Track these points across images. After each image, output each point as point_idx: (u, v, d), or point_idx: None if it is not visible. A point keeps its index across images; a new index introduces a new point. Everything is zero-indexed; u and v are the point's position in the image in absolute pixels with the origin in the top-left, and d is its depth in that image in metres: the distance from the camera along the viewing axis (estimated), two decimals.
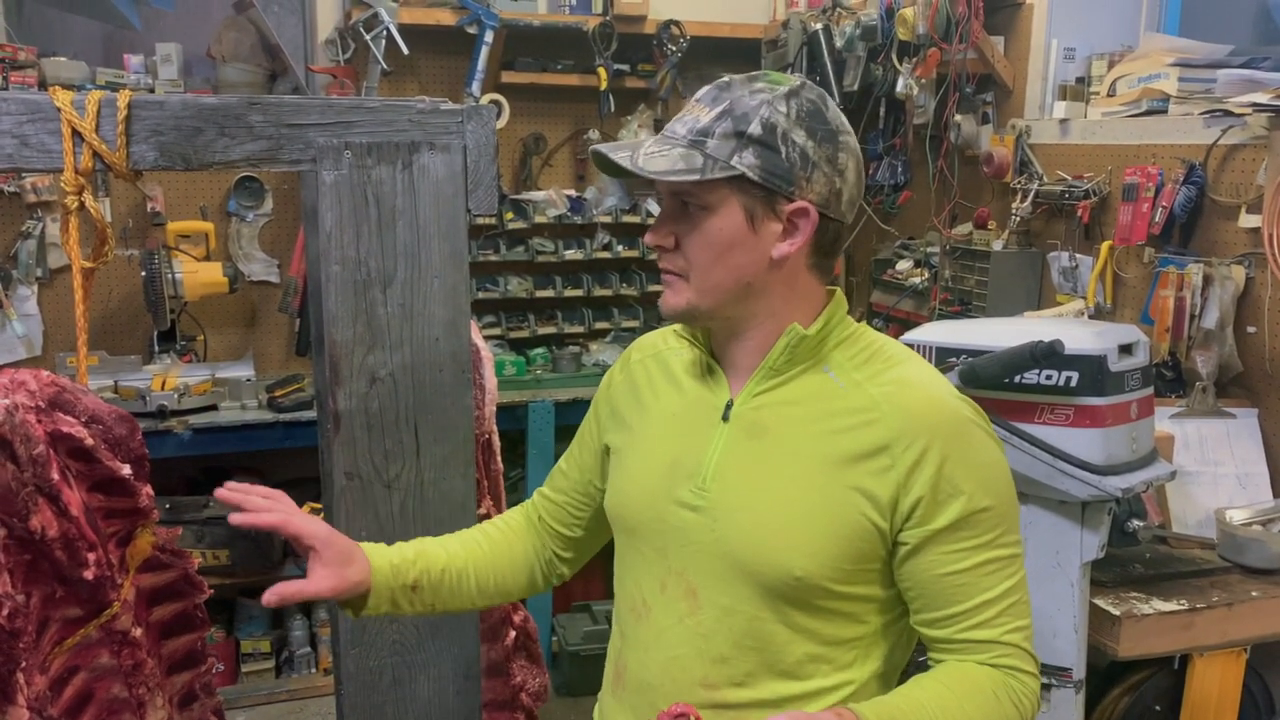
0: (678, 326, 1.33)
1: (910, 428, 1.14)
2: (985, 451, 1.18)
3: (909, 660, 1.28)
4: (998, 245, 3.10)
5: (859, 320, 1.28)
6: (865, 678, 1.20)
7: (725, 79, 1.20)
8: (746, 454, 1.20)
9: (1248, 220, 2.43)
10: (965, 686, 1.15)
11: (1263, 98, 2.32)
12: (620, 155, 1.18)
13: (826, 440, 1.17)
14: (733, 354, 1.24)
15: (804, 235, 1.17)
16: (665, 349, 1.35)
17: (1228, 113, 2.42)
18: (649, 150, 1.17)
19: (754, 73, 1.21)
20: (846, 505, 1.15)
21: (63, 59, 3.36)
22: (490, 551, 1.41)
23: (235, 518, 1.23)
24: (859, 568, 1.17)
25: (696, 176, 1.14)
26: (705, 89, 1.20)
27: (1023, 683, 1.17)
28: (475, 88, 3.56)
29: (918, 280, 3.50)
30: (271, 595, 1.20)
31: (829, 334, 1.21)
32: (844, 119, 1.20)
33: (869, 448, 1.15)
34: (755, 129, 1.14)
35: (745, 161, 1.14)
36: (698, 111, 1.18)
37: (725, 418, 1.23)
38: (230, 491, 1.24)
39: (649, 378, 1.34)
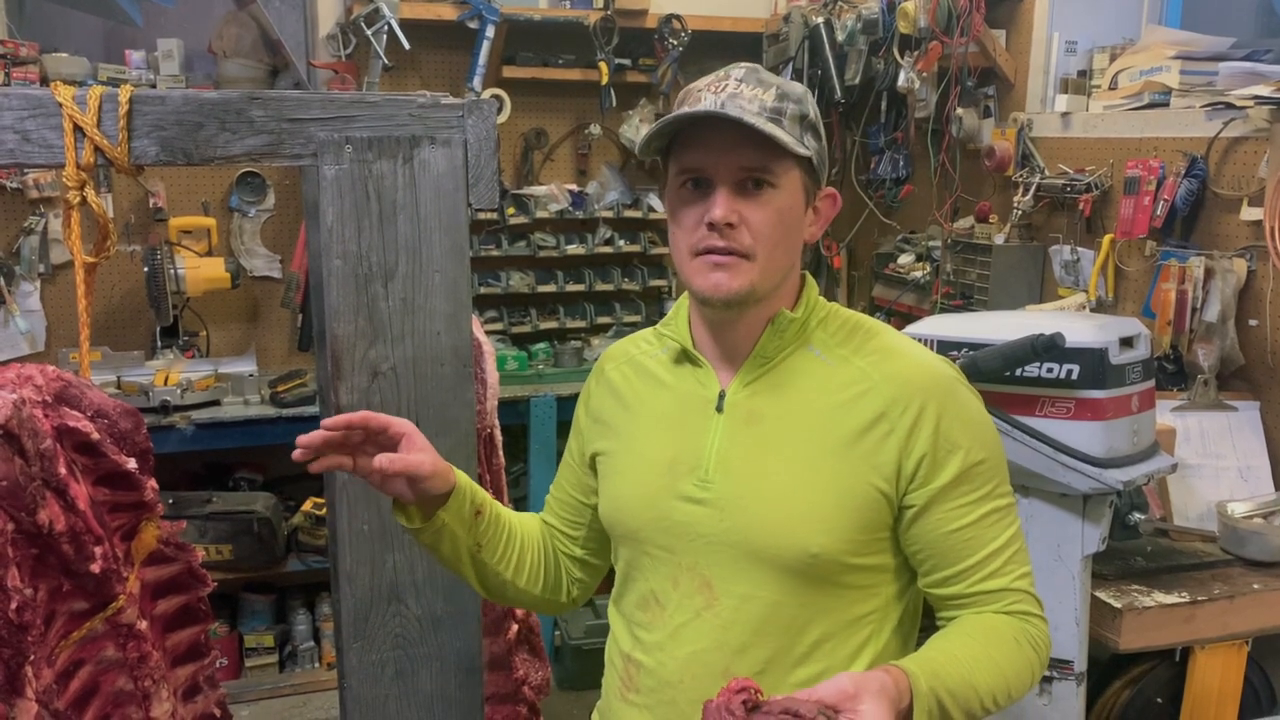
0: (655, 327, 1.34)
1: (903, 392, 1.17)
2: (973, 407, 1.22)
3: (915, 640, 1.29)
4: (999, 239, 3.10)
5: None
6: (878, 650, 1.22)
7: (748, 64, 1.19)
8: (747, 441, 1.21)
9: (1249, 213, 2.43)
10: (987, 635, 1.17)
11: (1264, 90, 2.32)
12: (752, 118, 1.12)
13: (824, 417, 1.19)
14: (719, 344, 1.25)
15: (827, 220, 1.24)
16: (638, 353, 1.35)
17: (1229, 105, 2.42)
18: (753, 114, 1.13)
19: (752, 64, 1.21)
20: (853, 477, 1.17)
21: (64, 55, 3.36)
22: (536, 533, 1.42)
23: (303, 438, 1.18)
24: (870, 537, 1.19)
25: (803, 150, 1.15)
26: (737, 69, 1.18)
27: (1036, 627, 1.20)
28: (476, 83, 3.56)
29: (919, 274, 3.50)
30: (383, 459, 1.17)
31: (810, 315, 1.24)
32: None
33: (867, 418, 1.17)
34: (812, 115, 1.18)
35: (810, 146, 1.17)
36: (755, 91, 1.15)
37: (719, 409, 1.23)
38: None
39: (628, 382, 1.33)
